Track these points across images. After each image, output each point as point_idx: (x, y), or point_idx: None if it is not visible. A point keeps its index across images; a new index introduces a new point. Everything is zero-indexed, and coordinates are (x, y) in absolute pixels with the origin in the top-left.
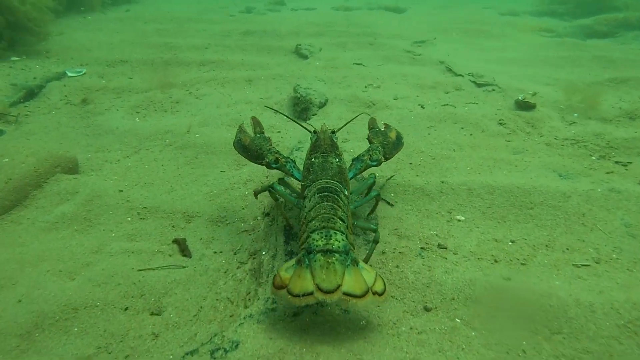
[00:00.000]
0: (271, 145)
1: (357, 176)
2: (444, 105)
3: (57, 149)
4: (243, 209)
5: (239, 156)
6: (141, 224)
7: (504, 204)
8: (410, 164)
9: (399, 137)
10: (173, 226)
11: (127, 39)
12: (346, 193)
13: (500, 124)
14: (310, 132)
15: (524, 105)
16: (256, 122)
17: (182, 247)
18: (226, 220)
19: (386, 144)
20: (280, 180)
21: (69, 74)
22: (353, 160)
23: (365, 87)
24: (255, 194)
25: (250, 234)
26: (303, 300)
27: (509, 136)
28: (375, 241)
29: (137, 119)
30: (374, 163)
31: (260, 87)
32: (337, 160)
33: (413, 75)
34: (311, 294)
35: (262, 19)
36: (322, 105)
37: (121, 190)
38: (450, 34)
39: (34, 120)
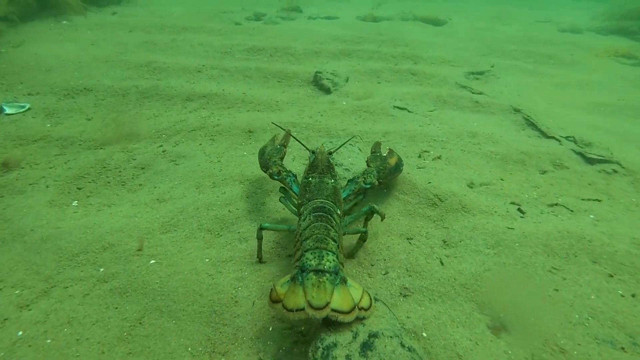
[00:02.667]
0: (279, 158)
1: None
2: (552, 205)
3: None
4: None
5: (215, 329)
6: None
7: None
8: None
9: (398, 164)
10: None
11: (101, 54)
12: (339, 212)
13: None
14: (309, 151)
15: None
16: (286, 136)
17: None
18: None
19: (382, 169)
20: (281, 193)
21: (6, 110)
22: (348, 181)
23: (420, 156)
24: (259, 258)
25: None
26: (296, 315)
27: None
28: (363, 240)
29: (73, 204)
30: (368, 185)
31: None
32: (333, 181)
33: (484, 136)
34: (303, 309)
35: (272, 31)
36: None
37: None
38: (510, 58)
39: None
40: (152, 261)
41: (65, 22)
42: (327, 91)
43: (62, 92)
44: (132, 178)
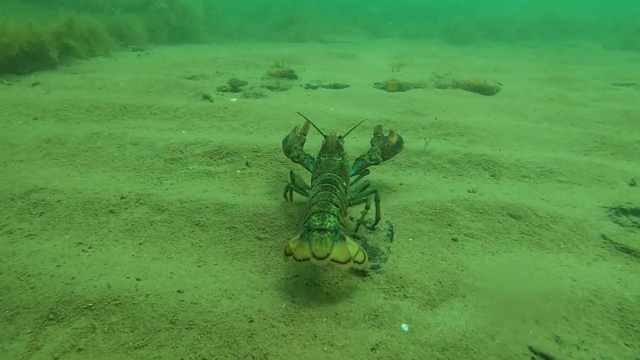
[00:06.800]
0: (299, 144)
1: (359, 190)
2: None
3: None
4: None
5: None
6: None
7: None
8: None
9: (399, 142)
10: None
11: None
12: (344, 184)
13: None
14: (324, 136)
15: None
16: (305, 125)
17: None
18: None
19: (385, 146)
20: (292, 177)
21: None
22: (356, 159)
23: None
24: (285, 194)
25: None
26: (303, 264)
27: None
28: (377, 200)
29: None
30: (373, 162)
31: None
32: (340, 159)
33: None
34: (308, 259)
35: (253, 112)
36: None
37: None
38: (636, 157)
39: None
40: None
41: None
42: (362, 276)
43: None
44: None
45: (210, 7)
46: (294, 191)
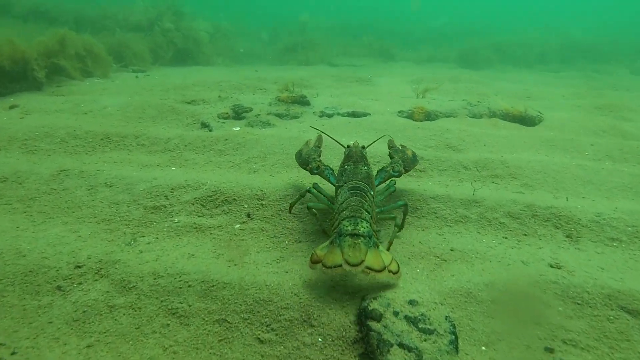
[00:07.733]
0: (317, 155)
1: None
2: None
3: None
4: None
5: None
6: None
7: None
8: None
9: (414, 155)
10: None
11: None
12: (372, 193)
13: None
14: (344, 147)
15: None
16: (319, 138)
17: None
18: None
19: (405, 158)
20: (315, 185)
21: None
22: (378, 171)
23: None
24: (290, 208)
25: None
26: (334, 271)
27: None
28: (397, 225)
29: None
30: (396, 174)
31: None
32: (366, 167)
33: None
34: (340, 266)
35: (258, 145)
36: None
37: None
38: None
39: None
40: None
41: None
42: None
43: None
44: None
45: (218, 29)
46: (314, 205)
